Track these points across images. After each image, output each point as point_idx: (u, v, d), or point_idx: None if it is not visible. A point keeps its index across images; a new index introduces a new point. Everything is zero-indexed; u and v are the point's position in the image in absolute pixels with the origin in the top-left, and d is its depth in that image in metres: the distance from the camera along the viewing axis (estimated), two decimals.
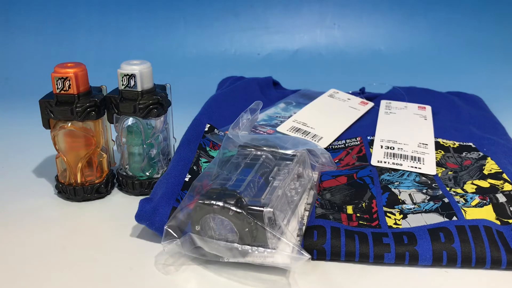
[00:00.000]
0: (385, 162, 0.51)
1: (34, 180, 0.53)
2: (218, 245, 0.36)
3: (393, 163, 0.50)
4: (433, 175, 0.49)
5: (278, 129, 0.59)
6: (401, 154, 0.52)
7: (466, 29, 1.01)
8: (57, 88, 0.45)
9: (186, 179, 0.46)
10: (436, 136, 0.57)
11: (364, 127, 0.60)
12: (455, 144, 0.55)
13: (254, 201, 0.36)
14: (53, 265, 0.39)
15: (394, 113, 0.63)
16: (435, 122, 0.61)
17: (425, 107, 0.65)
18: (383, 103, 0.67)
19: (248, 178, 0.39)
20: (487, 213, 0.41)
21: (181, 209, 0.38)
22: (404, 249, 0.38)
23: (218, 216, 0.35)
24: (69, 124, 0.46)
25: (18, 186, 0.52)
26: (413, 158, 0.51)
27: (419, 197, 0.45)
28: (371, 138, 0.56)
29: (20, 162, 0.57)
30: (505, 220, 0.41)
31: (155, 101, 0.47)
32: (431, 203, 0.43)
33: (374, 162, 0.51)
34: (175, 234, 0.37)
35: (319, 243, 0.38)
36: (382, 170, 0.49)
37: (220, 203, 0.35)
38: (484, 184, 0.47)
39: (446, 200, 0.44)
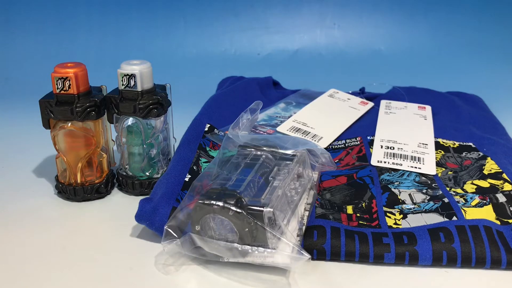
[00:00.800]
0: (385, 162, 0.51)
1: (34, 180, 0.53)
2: (218, 245, 0.36)
3: (393, 163, 0.50)
4: (433, 175, 0.49)
5: (278, 129, 0.59)
6: (401, 154, 0.52)
7: (466, 29, 1.01)
8: (57, 88, 0.45)
9: (186, 179, 0.46)
10: (436, 136, 0.57)
11: (364, 127, 0.60)
12: (455, 144, 0.55)
13: (254, 201, 0.36)
14: (53, 265, 0.39)
15: (394, 113, 0.63)
16: (435, 122, 0.61)
17: (425, 107, 0.65)
18: (383, 103, 0.67)
19: (248, 178, 0.39)
20: (487, 213, 0.41)
21: (181, 209, 0.38)
22: (404, 249, 0.38)
23: (218, 216, 0.35)
24: (69, 124, 0.46)
25: (18, 186, 0.52)
26: (413, 158, 0.51)
27: (419, 197, 0.45)
28: (371, 138, 0.56)
29: (20, 162, 0.57)
30: (505, 220, 0.41)
31: (155, 101, 0.47)
32: (431, 203, 0.43)
33: (374, 162, 0.51)
34: (175, 234, 0.37)
35: (319, 243, 0.38)
36: (382, 170, 0.49)
37: (220, 203, 0.35)
38: (484, 184, 0.47)
39: (446, 200, 0.44)
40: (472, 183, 0.47)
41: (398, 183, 0.47)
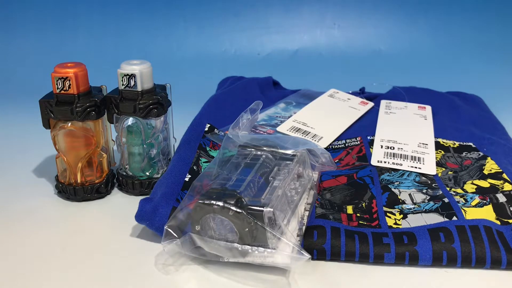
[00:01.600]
0: (385, 162, 0.51)
1: (34, 180, 0.53)
2: (218, 245, 0.36)
3: (393, 163, 0.50)
4: (433, 175, 0.49)
5: (278, 129, 0.59)
6: (401, 154, 0.52)
7: (466, 29, 1.02)
8: (57, 88, 0.45)
9: (186, 179, 0.46)
10: (436, 136, 0.57)
11: (364, 127, 0.60)
12: (455, 144, 0.55)
13: (254, 201, 0.36)
14: (53, 265, 0.39)
15: (394, 113, 0.63)
16: (435, 122, 0.61)
17: (425, 107, 0.65)
18: (383, 103, 0.67)
19: (248, 178, 0.39)
20: (487, 213, 0.41)
21: (181, 209, 0.38)
22: (404, 249, 0.38)
23: (218, 216, 0.35)
24: (69, 124, 0.46)
25: (18, 186, 0.52)
26: (413, 158, 0.51)
27: (419, 197, 0.45)
28: (371, 138, 0.56)
29: (20, 162, 0.57)
30: (505, 220, 0.41)
31: (155, 101, 0.47)
32: (431, 203, 0.43)
33: (374, 162, 0.51)
34: (175, 234, 0.37)
35: (319, 243, 0.38)
36: (382, 170, 0.49)
37: (220, 203, 0.35)
38: (484, 184, 0.47)
39: (446, 200, 0.44)
40: (472, 183, 0.47)
41: (398, 183, 0.47)
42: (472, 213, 0.41)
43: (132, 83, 0.46)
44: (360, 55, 0.99)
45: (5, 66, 0.93)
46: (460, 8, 1.02)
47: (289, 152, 0.44)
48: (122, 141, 0.49)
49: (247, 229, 0.35)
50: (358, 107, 0.66)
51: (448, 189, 0.46)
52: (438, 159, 0.52)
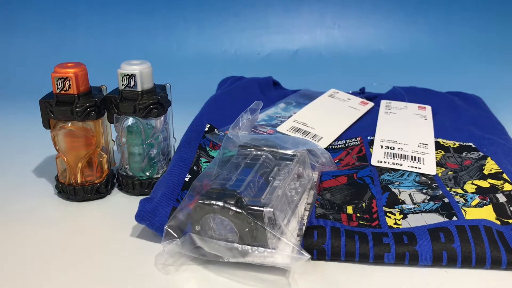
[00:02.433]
0: (385, 162, 0.51)
1: (34, 180, 0.53)
2: (218, 245, 0.36)
3: (393, 163, 0.50)
4: (433, 175, 0.49)
5: (278, 129, 0.59)
6: (401, 154, 0.52)
7: (466, 29, 1.02)
8: (57, 88, 0.45)
9: (186, 179, 0.46)
10: (436, 136, 0.57)
11: (364, 127, 0.60)
12: (455, 144, 0.55)
13: (254, 201, 0.36)
14: (53, 265, 0.39)
15: (394, 113, 0.63)
16: (435, 122, 0.61)
17: (425, 107, 0.65)
18: (383, 103, 0.67)
19: (248, 178, 0.39)
20: (487, 213, 0.41)
21: (181, 209, 0.38)
22: (404, 249, 0.38)
23: (218, 216, 0.35)
24: (69, 124, 0.46)
25: (18, 186, 0.52)
26: (413, 158, 0.51)
27: (419, 197, 0.45)
28: (371, 138, 0.56)
29: (20, 162, 0.57)
30: (505, 220, 0.41)
31: (155, 101, 0.47)
32: (431, 203, 0.43)
33: (374, 162, 0.51)
34: (175, 234, 0.37)
35: (319, 243, 0.38)
36: (382, 170, 0.49)
37: (220, 203, 0.35)
38: (484, 184, 0.47)
39: (446, 200, 0.44)
40: (472, 183, 0.47)
41: (398, 183, 0.47)
42: (472, 213, 0.41)
43: (132, 83, 0.46)
44: (360, 55, 0.99)
45: (5, 66, 0.93)
46: (460, 8, 1.02)
47: (289, 152, 0.44)
48: (122, 141, 0.49)
49: (247, 229, 0.35)
50: (358, 107, 0.66)
51: (448, 189, 0.46)
52: (438, 159, 0.52)
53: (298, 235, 0.38)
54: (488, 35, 1.01)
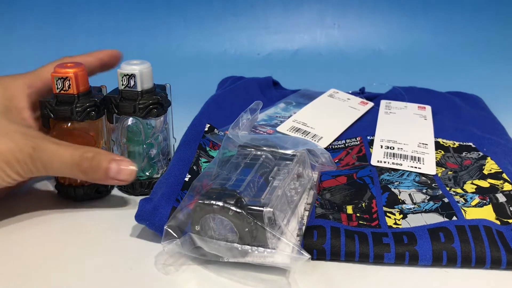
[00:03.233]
0: (385, 162, 0.51)
1: (34, 180, 0.53)
2: (218, 245, 0.36)
3: (393, 163, 0.50)
4: (433, 175, 0.49)
5: (278, 129, 0.59)
6: (401, 154, 0.52)
7: (466, 28, 1.02)
8: (57, 88, 0.45)
9: (186, 179, 0.46)
10: (436, 136, 0.57)
11: (364, 127, 0.60)
12: (455, 144, 0.55)
13: (254, 201, 0.36)
14: (53, 265, 0.39)
15: (394, 113, 0.63)
16: (435, 122, 0.61)
17: (425, 107, 0.65)
18: (383, 103, 0.67)
19: (248, 178, 0.39)
20: (487, 213, 0.41)
21: (181, 209, 0.38)
22: (404, 249, 0.38)
23: (218, 216, 0.35)
24: (69, 124, 0.46)
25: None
26: (413, 158, 0.51)
27: (419, 197, 0.45)
28: (371, 138, 0.57)
29: None
30: (505, 220, 0.41)
31: (155, 101, 0.47)
32: (431, 203, 0.43)
33: (374, 162, 0.51)
34: (175, 234, 0.37)
35: (319, 243, 0.38)
36: (382, 170, 0.49)
37: (220, 203, 0.35)
38: (484, 184, 0.47)
39: (446, 200, 0.44)
40: (472, 183, 0.47)
41: (398, 183, 0.47)
42: (472, 213, 0.41)
43: (132, 83, 0.46)
44: (360, 55, 0.99)
45: (6, 66, 0.93)
46: (460, 8, 1.03)
47: (289, 152, 0.44)
48: (122, 141, 0.49)
49: (247, 229, 0.35)
50: (358, 107, 0.66)
51: (448, 189, 0.46)
52: (438, 159, 0.52)
53: (298, 235, 0.38)
54: (488, 35, 1.01)
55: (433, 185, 0.47)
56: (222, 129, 0.58)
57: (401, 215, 0.42)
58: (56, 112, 0.45)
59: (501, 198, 0.44)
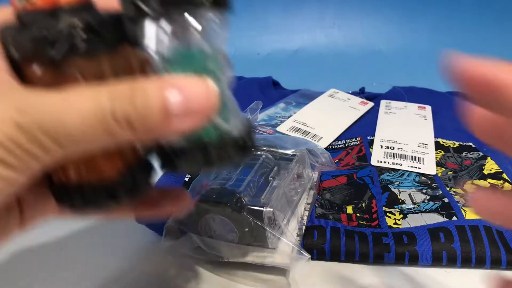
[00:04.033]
0: (385, 162, 0.51)
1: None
2: (218, 245, 0.36)
3: (393, 163, 0.50)
4: (433, 175, 0.49)
5: (278, 129, 0.59)
6: (401, 154, 0.52)
7: (466, 28, 1.02)
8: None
9: (186, 179, 0.46)
10: (436, 136, 0.57)
11: (364, 127, 0.60)
12: (455, 144, 0.55)
13: (254, 201, 0.36)
14: (53, 265, 0.39)
15: (394, 113, 0.63)
16: (435, 122, 0.61)
17: (425, 107, 0.65)
18: (383, 103, 0.67)
19: (248, 178, 0.39)
20: None
21: None
22: (404, 249, 0.38)
23: (218, 216, 0.35)
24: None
25: None
26: (413, 158, 0.51)
27: (419, 197, 0.45)
28: (371, 138, 0.56)
29: None
30: None
31: None
32: (431, 203, 0.43)
33: (374, 162, 0.51)
34: (175, 234, 0.37)
35: (319, 243, 0.38)
36: (382, 170, 0.49)
37: (220, 203, 0.35)
38: (484, 184, 0.47)
39: (446, 200, 0.44)
40: (472, 183, 0.47)
41: (398, 183, 0.47)
42: (472, 213, 0.41)
43: None
44: (360, 55, 0.99)
45: None
46: (460, 8, 1.02)
47: (289, 152, 0.44)
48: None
49: (247, 229, 0.35)
50: (358, 107, 0.66)
51: (448, 189, 0.46)
52: (438, 159, 0.52)
53: (298, 235, 0.38)
54: (488, 35, 1.01)
55: (433, 185, 0.47)
56: None
57: (401, 215, 0.42)
58: (18, 44, 0.22)
59: None
